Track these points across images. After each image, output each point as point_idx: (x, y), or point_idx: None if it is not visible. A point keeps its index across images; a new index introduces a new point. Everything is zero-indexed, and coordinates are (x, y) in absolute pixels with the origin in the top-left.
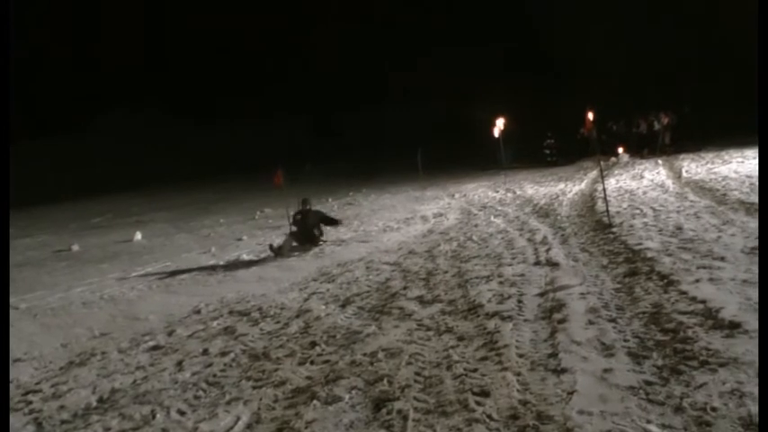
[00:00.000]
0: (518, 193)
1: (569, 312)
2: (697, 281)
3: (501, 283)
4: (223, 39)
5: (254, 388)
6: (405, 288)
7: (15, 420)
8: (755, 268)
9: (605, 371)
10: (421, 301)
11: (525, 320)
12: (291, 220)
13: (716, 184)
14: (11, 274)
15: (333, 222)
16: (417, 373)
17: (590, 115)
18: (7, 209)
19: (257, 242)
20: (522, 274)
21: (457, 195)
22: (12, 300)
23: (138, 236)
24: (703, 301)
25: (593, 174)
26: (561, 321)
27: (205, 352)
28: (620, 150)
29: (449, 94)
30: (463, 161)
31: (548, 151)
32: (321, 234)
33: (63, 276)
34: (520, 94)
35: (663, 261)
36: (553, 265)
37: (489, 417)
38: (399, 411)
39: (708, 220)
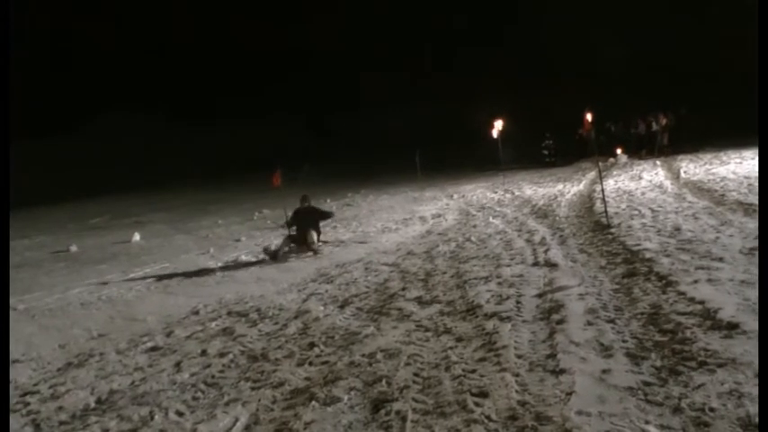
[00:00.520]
0: (516, 193)
1: (568, 313)
2: (695, 281)
3: (499, 283)
4: (223, 39)
5: (252, 389)
6: (403, 289)
7: (14, 422)
8: (754, 269)
9: (604, 372)
10: (419, 301)
11: (524, 321)
12: (290, 221)
13: (714, 184)
14: (10, 275)
15: (327, 216)
16: (416, 374)
17: (588, 116)
18: (7, 210)
19: (255, 243)
20: (521, 275)
21: (455, 196)
22: (10, 301)
23: (137, 237)
24: (702, 302)
25: (592, 174)
26: (560, 322)
27: (203, 353)
28: (619, 151)
29: (447, 95)
30: (462, 162)
31: (546, 152)
32: (320, 234)
33: (61, 277)
34: (518, 95)
35: (661, 262)
36: (552, 265)
37: (488, 417)
38: (398, 412)
39: (706, 221)
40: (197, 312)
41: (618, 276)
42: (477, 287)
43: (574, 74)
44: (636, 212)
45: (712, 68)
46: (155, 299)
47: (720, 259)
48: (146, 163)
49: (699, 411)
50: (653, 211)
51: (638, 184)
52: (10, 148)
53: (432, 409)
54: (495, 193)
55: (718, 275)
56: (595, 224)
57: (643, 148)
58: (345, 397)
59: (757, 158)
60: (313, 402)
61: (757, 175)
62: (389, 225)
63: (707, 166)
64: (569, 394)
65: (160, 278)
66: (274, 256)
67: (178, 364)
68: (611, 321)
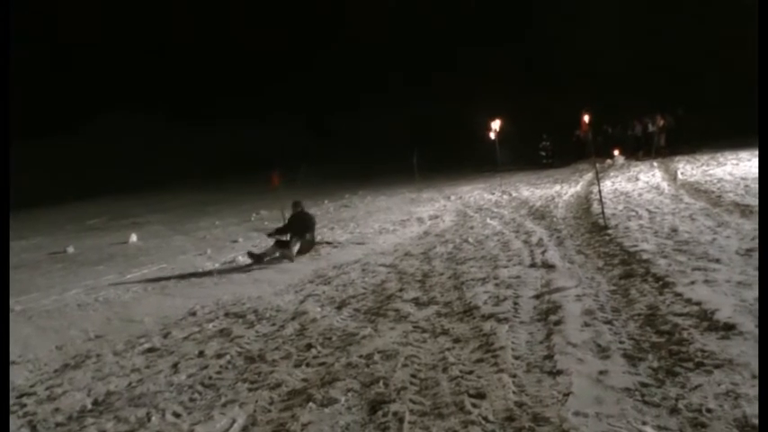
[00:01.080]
0: (514, 195)
1: (565, 314)
2: (692, 283)
3: (497, 285)
4: (223, 39)
5: (249, 390)
6: (401, 290)
7: (11, 423)
8: (750, 270)
9: (601, 373)
10: (417, 302)
11: (521, 322)
12: (282, 228)
13: (711, 186)
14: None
15: (313, 224)
16: (413, 376)
17: (586, 117)
18: (7, 210)
19: (253, 244)
20: (518, 276)
21: (453, 197)
22: None
23: (134, 238)
24: (698, 303)
25: (589, 176)
26: (557, 323)
27: (201, 354)
28: (616, 152)
29: (447, 95)
30: (459, 163)
31: (543, 153)
32: (314, 240)
33: (58, 278)
34: (516, 96)
35: (658, 263)
36: (549, 267)
37: (485, 419)
38: (395, 413)
39: (703, 222)
40: (194, 314)
41: (615, 277)
42: (475, 288)
43: (572, 75)
44: (633, 214)
45: (711, 69)
46: (152, 300)
47: (717, 260)
48: (146, 163)
49: (696, 412)
50: (650, 212)
51: (635, 185)
52: (10, 148)
53: (429, 410)
54: (493, 194)
55: (714, 277)
56: (592, 225)
57: (640, 150)
58: (343, 398)
59: (754, 160)
60: (310, 404)
61: (754, 176)
62: (387, 226)
63: (704, 168)
64: (566, 395)
65: (157, 279)
66: (258, 260)
67: (175, 366)
68: (609, 322)
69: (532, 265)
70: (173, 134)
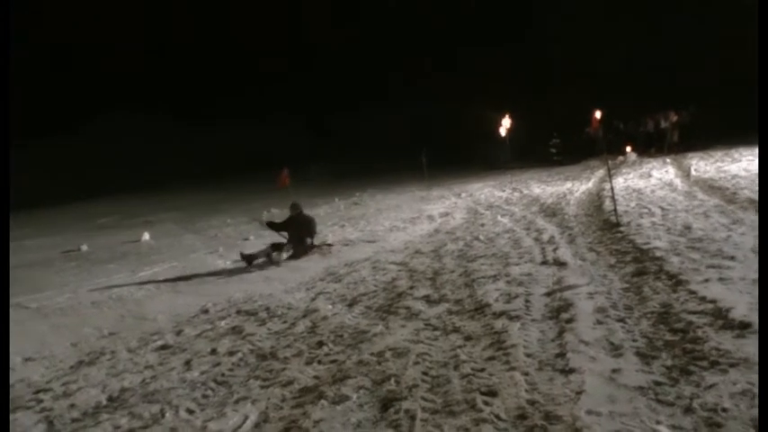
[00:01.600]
0: (524, 192)
1: (577, 312)
2: (706, 280)
3: (508, 282)
4: (223, 39)
5: (261, 387)
6: (411, 287)
7: (27, 419)
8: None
9: (614, 371)
10: (428, 300)
11: (533, 320)
12: (278, 225)
13: (725, 182)
14: (21, 274)
15: (314, 229)
16: (425, 373)
17: (597, 114)
18: (7, 210)
19: (264, 242)
20: (530, 274)
21: (463, 195)
22: (22, 299)
23: (146, 236)
24: (713, 301)
25: (601, 173)
26: (569, 321)
27: (213, 351)
28: (628, 149)
29: (445, 96)
30: (469, 160)
31: (554, 150)
32: (313, 242)
33: (72, 276)
34: (525, 94)
35: (671, 260)
36: (560, 264)
37: (497, 417)
38: (407, 411)
39: (717, 219)
40: (206, 311)
41: (627, 275)
42: (486, 286)
43: (581, 72)
44: (645, 211)
45: (711, 68)
46: (164, 298)
47: (732, 258)
48: (146, 163)
49: (711, 412)
50: (663, 209)
51: (647, 182)
52: (10, 148)
53: (441, 407)
54: (503, 191)
55: (729, 274)
56: (604, 222)
57: (652, 146)
58: (354, 395)
59: None
60: (322, 401)
61: None
62: (397, 224)
63: (718, 164)
64: (579, 393)
65: (169, 277)
66: (250, 261)
67: (188, 363)
68: (621, 320)
69: (544, 263)
70: (173, 134)
